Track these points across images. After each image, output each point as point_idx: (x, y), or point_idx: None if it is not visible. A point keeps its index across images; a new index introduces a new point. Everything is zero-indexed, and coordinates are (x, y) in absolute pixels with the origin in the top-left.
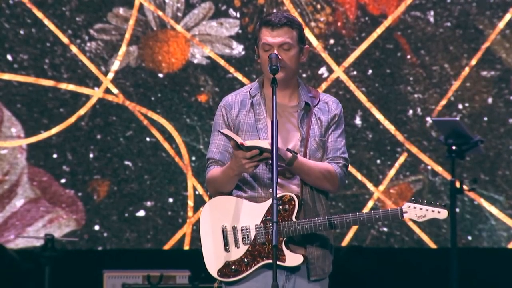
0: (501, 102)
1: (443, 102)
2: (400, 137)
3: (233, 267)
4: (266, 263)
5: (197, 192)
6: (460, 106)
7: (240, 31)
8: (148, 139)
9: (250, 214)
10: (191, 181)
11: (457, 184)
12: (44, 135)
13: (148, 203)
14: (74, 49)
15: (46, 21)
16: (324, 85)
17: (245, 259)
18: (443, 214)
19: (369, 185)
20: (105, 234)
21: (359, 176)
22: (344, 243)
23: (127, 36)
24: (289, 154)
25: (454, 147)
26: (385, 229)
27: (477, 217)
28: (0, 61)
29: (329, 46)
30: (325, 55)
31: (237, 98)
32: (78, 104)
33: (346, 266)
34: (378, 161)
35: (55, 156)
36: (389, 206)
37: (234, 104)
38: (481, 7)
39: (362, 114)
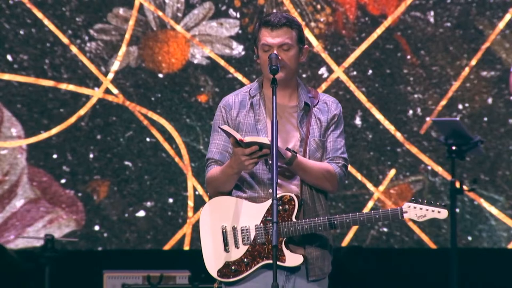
0: (501, 102)
1: (443, 102)
2: (400, 137)
3: (233, 268)
4: (266, 263)
5: (197, 193)
6: (460, 107)
7: (240, 32)
8: (148, 139)
9: (249, 214)
10: (191, 182)
11: (457, 185)
12: (44, 135)
13: (148, 204)
14: (74, 49)
15: (46, 21)
16: (324, 85)
17: (245, 260)
18: (443, 214)
19: (369, 185)
20: (105, 235)
21: (359, 176)
22: (344, 243)
23: (127, 36)
24: (289, 153)
25: (454, 148)
26: (385, 230)
27: (477, 217)
28: (0, 61)
29: (329, 46)
30: (325, 55)
31: (237, 99)
32: (78, 104)
33: (346, 266)
34: (378, 162)
35: (55, 156)
36: (389, 206)
37: (234, 105)
38: (481, 7)
39: (362, 114)
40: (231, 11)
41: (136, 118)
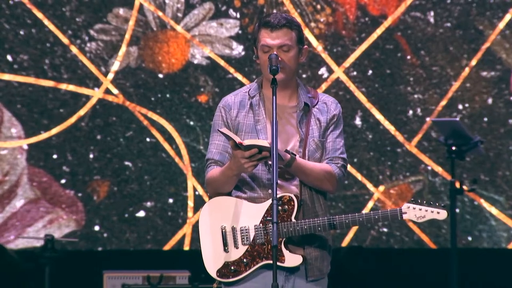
0: (501, 103)
1: (443, 102)
2: (400, 137)
3: (232, 268)
4: (266, 263)
5: (197, 193)
6: (460, 107)
7: (240, 32)
8: (148, 139)
9: (249, 214)
10: (191, 182)
11: (457, 185)
12: (44, 135)
13: (148, 204)
14: (74, 49)
15: (46, 22)
16: (324, 86)
17: (244, 260)
18: (442, 214)
19: (369, 186)
20: (105, 235)
21: (359, 176)
22: (344, 243)
23: (127, 36)
24: (288, 156)
25: (454, 148)
26: (385, 230)
27: (477, 217)
28: (0, 62)
29: (329, 47)
30: (325, 56)
31: (236, 99)
32: (78, 104)
33: (346, 266)
34: (378, 162)
35: (55, 156)
36: (389, 206)
37: (233, 105)
38: (481, 7)
39: (362, 114)
40: (231, 11)
41: (136, 118)
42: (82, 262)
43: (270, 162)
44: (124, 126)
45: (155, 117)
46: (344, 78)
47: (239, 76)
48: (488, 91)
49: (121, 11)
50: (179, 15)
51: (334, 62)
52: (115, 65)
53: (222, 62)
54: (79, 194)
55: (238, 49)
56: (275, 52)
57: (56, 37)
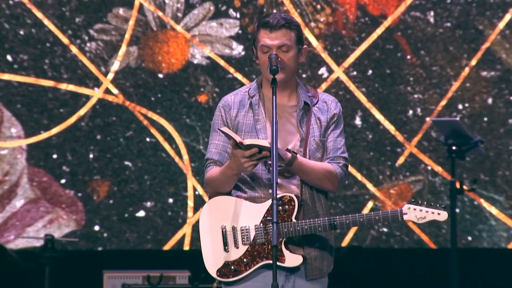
0: (501, 103)
1: (443, 102)
2: (400, 137)
3: (232, 267)
4: (266, 263)
5: (197, 193)
6: (460, 107)
7: (240, 32)
8: (148, 139)
9: (249, 214)
10: (191, 182)
11: (457, 185)
12: (44, 135)
13: (148, 204)
14: (74, 49)
15: (46, 22)
16: (324, 86)
17: (245, 259)
18: (443, 216)
19: (369, 186)
20: (105, 235)
21: (359, 176)
22: (344, 243)
23: (127, 36)
24: (289, 154)
25: (454, 148)
26: (385, 230)
27: (477, 217)
28: (0, 62)
29: (329, 47)
30: (325, 56)
31: (236, 98)
32: (78, 104)
33: (346, 266)
34: (378, 162)
35: (55, 156)
36: (389, 206)
37: (233, 105)
38: (481, 7)
39: (362, 114)
40: (231, 11)
41: (136, 118)
42: (82, 262)
43: (270, 162)
44: (124, 126)
45: (155, 117)
46: (344, 78)
47: (239, 76)
48: (488, 91)
49: (121, 11)
50: (179, 15)
51: (334, 62)
52: (115, 65)
53: (222, 62)
54: (79, 194)
55: (238, 49)
56: (274, 52)
57: (56, 37)
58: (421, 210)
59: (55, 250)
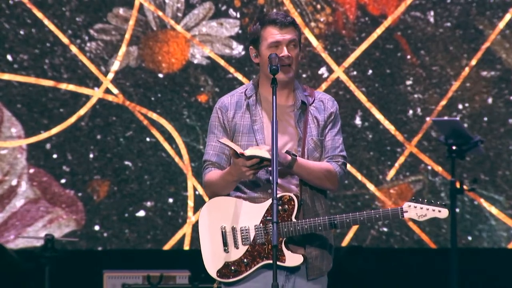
0: (501, 102)
1: (443, 102)
2: (400, 137)
3: (232, 268)
4: (266, 263)
5: (197, 192)
6: (460, 106)
7: (240, 32)
8: (148, 139)
9: (249, 214)
10: (191, 181)
11: (457, 184)
12: (44, 135)
13: (148, 203)
14: (74, 49)
15: (46, 21)
16: (324, 85)
17: (245, 260)
18: (443, 213)
19: (369, 185)
20: (105, 234)
21: (359, 176)
22: (344, 243)
23: (127, 36)
24: (289, 158)
25: (454, 147)
26: (385, 229)
27: (477, 217)
28: (0, 61)
29: (329, 46)
30: (325, 55)
31: (233, 99)
32: (78, 104)
33: (346, 266)
34: (378, 162)
35: (55, 156)
36: (389, 206)
37: (230, 106)
38: (481, 7)
39: (362, 114)
40: (231, 11)
41: (136, 118)
42: (82, 262)
43: (270, 169)
44: (124, 126)
45: (155, 117)
46: (344, 78)
47: (239, 76)
48: (488, 91)
49: (121, 11)
50: (179, 15)
51: (334, 62)
52: (115, 65)
53: (222, 62)
54: (79, 194)
55: (238, 49)
56: (285, 49)
57: (56, 37)
58: (421, 208)
59: (55, 250)
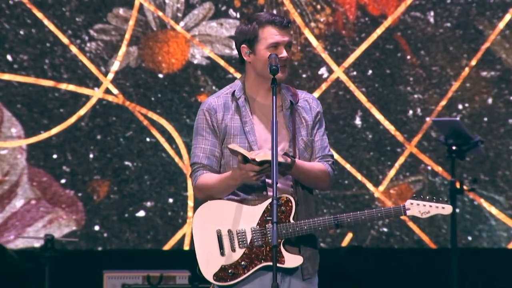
0: (501, 103)
1: (443, 102)
2: (400, 137)
3: (229, 271)
4: (265, 265)
5: None
6: (460, 107)
7: None
8: (148, 139)
9: (245, 217)
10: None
11: (457, 185)
12: (44, 135)
13: (148, 204)
14: (74, 49)
15: (46, 22)
16: (324, 86)
17: (242, 262)
18: (447, 209)
19: (369, 186)
20: (105, 235)
21: (359, 176)
22: (344, 243)
23: (127, 36)
24: (289, 159)
25: (454, 147)
26: (385, 230)
27: (477, 217)
28: (0, 62)
29: (329, 47)
30: (325, 56)
31: (219, 101)
32: (78, 104)
33: (346, 266)
34: (378, 162)
35: (55, 156)
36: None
37: (218, 108)
38: (481, 7)
39: (362, 114)
40: (231, 11)
41: (136, 118)
42: (82, 262)
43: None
44: (124, 126)
45: (155, 117)
46: (344, 78)
47: (239, 76)
48: (488, 91)
49: (121, 11)
50: (179, 15)
51: (334, 62)
52: (115, 65)
53: (222, 62)
54: (79, 194)
55: None
56: (283, 50)
57: (56, 37)
58: (424, 205)
59: (55, 250)
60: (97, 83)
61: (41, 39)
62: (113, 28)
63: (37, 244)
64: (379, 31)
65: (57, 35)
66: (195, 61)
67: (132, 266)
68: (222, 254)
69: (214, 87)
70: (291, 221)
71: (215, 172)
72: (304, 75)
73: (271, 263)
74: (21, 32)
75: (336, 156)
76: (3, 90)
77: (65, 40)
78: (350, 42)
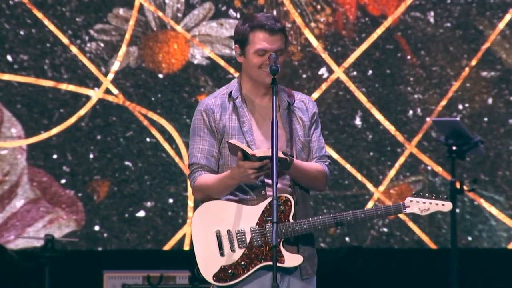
0: (501, 103)
1: (443, 102)
2: (400, 137)
3: (229, 271)
4: (264, 265)
5: None
6: (460, 107)
7: None
8: (148, 139)
9: (243, 217)
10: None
11: (457, 185)
12: (44, 135)
13: (148, 204)
14: (74, 49)
15: (46, 22)
16: (324, 86)
17: (242, 263)
18: (447, 206)
19: (369, 186)
20: (105, 235)
21: (359, 176)
22: (344, 243)
23: (127, 36)
24: (288, 158)
25: (454, 148)
26: (385, 230)
27: (477, 217)
28: (0, 62)
29: (329, 47)
30: (325, 56)
31: (216, 102)
32: (78, 104)
33: (346, 266)
34: (378, 162)
35: (55, 156)
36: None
37: (215, 108)
38: (481, 7)
39: (362, 114)
40: (231, 11)
41: (136, 118)
42: (82, 262)
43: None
44: (124, 126)
45: (155, 117)
46: (344, 78)
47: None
48: (488, 91)
49: (121, 11)
50: (179, 15)
51: (334, 62)
52: (115, 65)
53: (222, 62)
54: (79, 194)
55: None
56: (274, 54)
57: (56, 37)
58: (424, 202)
59: (55, 250)
60: (97, 83)
61: (41, 39)
62: (113, 28)
63: (37, 244)
64: (379, 31)
65: (57, 35)
66: (195, 61)
67: (132, 266)
68: (222, 254)
69: (214, 87)
70: (291, 220)
71: (213, 172)
72: (304, 75)
73: (271, 263)
74: (21, 32)
75: (336, 156)
76: (3, 90)
77: (65, 40)
78: (350, 42)
